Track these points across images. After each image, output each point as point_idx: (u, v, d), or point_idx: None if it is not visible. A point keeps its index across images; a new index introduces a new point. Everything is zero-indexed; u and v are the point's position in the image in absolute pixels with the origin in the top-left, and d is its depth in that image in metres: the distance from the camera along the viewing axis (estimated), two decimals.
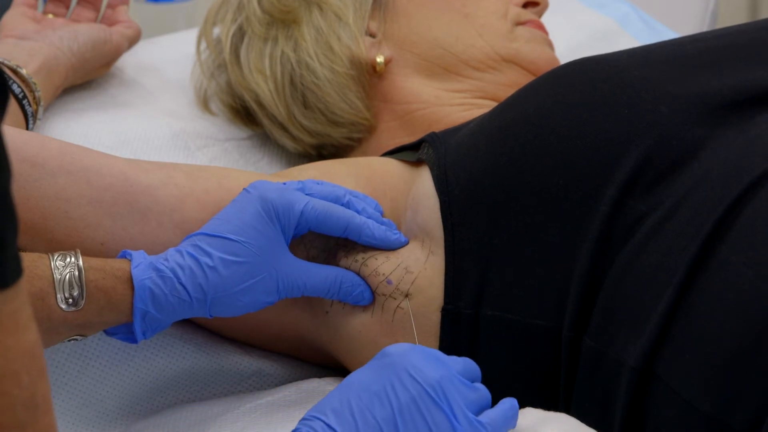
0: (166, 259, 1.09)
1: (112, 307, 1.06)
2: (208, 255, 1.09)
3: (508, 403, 1.04)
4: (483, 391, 1.03)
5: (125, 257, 1.09)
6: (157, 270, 1.08)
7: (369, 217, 1.17)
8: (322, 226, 1.14)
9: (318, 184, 1.17)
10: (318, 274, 1.14)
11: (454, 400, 1.00)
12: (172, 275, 1.08)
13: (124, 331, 1.09)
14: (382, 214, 1.20)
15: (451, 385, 1.01)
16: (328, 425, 0.98)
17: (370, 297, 1.17)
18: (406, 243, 1.19)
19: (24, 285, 0.72)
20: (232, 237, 1.10)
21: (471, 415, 1.00)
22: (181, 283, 1.08)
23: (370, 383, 1.00)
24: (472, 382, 1.04)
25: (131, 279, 1.07)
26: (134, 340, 1.09)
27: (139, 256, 1.08)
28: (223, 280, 1.09)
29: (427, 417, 0.99)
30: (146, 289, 1.07)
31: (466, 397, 1.01)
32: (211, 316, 1.11)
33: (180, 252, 1.10)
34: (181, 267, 1.09)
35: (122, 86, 1.55)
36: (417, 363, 1.01)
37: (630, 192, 1.12)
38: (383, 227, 1.17)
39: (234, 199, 1.13)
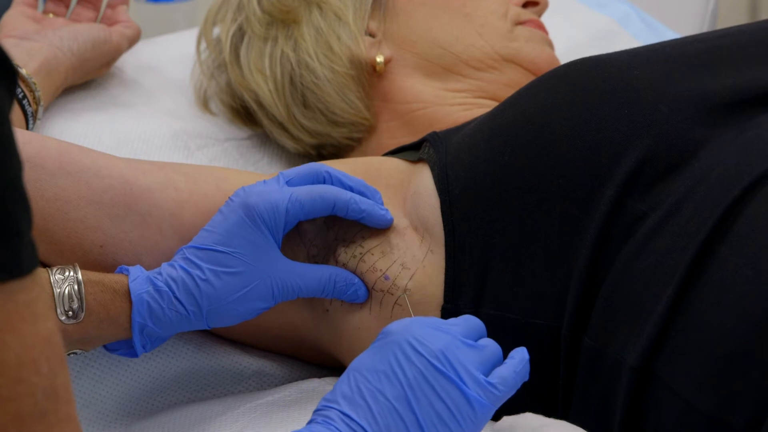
0: (160, 273, 1.09)
1: (110, 321, 1.07)
2: (199, 268, 1.09)
3: (518, 356, 1.03)
4: (490, 348, 1.02)
5: (122, 272, 1.10)
6: (154, 284, 1.08)
7: (351, 188, 1.16)
8: (309, 213, 1.13)
9: (296, 168, 1.16)
10: (312, 275, 1.14)
11: (460, 365, 0.99)
12: (167, 289, 1.08)
13: (124, 347, 1.10)
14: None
15: (456, 350, 1.00)
16: (343, 413, 0.98)
17: (364, 295, 1.17)
18: (392, 221, 1.18)
19: (40, 274, 0.72)
20: (219, 248, 1.10)
21: (480, 377, 0.99)
22: (176, 297, 1.08)
23: (375, 364, 1.00)
24: (478, 339, 1.03)
25: (129, 293, 1.07)
26: (135, 354, 1.10)
27: (136, 271, 1.09)
28: (217, 291, 1.09)
29: (437, 388, 0.99)
30: (144, 303, 1.07)
31: (473, 360, 1.00)
32: (209, 327, 1.11)
33: (172, 265, 1.10)
34: (174, 280, 1.09)
35: (122, 86, 1.55)
36: (418, 335, 1.00)
37: (629, 191, 1.12)
38: (368, 200, 1.17)
39: (220, 208, 1.13)
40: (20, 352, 0.71)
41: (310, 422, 0.99)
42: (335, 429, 0.97)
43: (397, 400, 0.98)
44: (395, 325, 1.02)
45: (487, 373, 1.01)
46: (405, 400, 0.98)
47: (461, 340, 1.01)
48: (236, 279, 1.10)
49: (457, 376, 0.99)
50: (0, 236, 0.69)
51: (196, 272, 1.09)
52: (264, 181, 1.15)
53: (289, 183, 1.15)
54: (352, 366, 1.01)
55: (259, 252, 1.11)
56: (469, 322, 1.04)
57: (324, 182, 1.16)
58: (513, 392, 1.01)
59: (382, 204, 1.18)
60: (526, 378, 1.02)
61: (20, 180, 0.71)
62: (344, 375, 1.00)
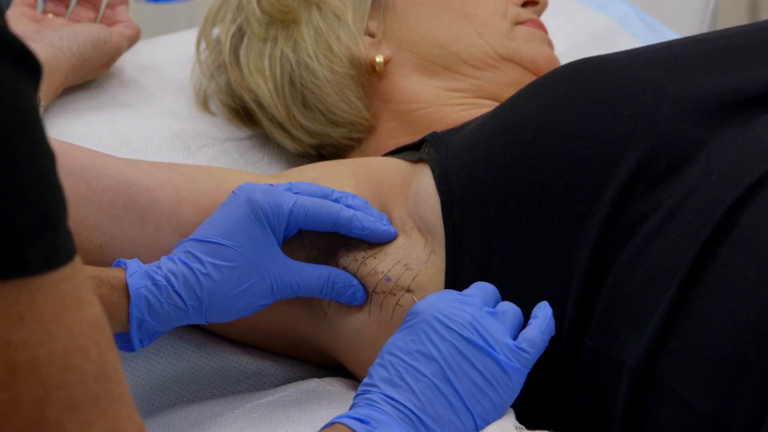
0: (159, 267, 1.09)
1: (108, 316, 1.06)
2: (199, 261, 1.09)
3: (541, 314, 1.07)
4: (510, 312, 1.06)
5: (120, 266, 1.09)
6: (152, 278, 1.08)
7: (358, 210, 1.17)
8: (311, 223, 1.14)
9: (307, 184, 1.17)
10: (311, 275, 1.14)
11: (488, 334, 1.03)
12: (166, 283, 1.08)
13: (122, 340, 1.09)
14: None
15: (482, 320, 1.03)
16: (386, 395, 1.00)
17: (362, 297, 1.17)
18: (396, 235, 1.19)
19: (80, 261, 0.73)
20: (222, 242, 1.10)
21: (510, 342, 1.03)
22: (175, 291, 1.08)
23: (408, 344, 1.02)
24: (495, 305, 1.07)
25: (127, 287, 1.07)
26: (132, 349, 1.09)
27: (133, 265, 1.09)
28: (217, 285, 1.09)
29: (471, 359, 1.02)
30: (142, 298, 1.07)
31: (498, 327, 1.04)
32: (207, 322, 1.11)
33: (172, 259, 1.10)
34: (174, 274, 1.09)
35: (122, 86, 1.55)
36: (445, 311, 1.03)
37: (630, 193, 1.12)
38: (372, 218, 1.17)
39: (223, 202, 1.13)
40: (68, 340, 0.71)
41: (353, 406, 1.00)
42: (381, 411, 0.99)
43: (435, 376, 1.01)
44: (421, 305, 1.04)
45: (513, 337, 1.04)
46: (443, 375, 1.01)
47: (484, 309, 1.04)
48: (236, 273, 1.10)
49: (488, 345, 1.02)
50: (36, 229, 0.70)
51: (196, 266, 1.09)
52: (272, 184, 1.15)
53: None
54: (385, 350, 1.03)
55: (260, 248, 1.11)
56: (484, 288, 1.08)
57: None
58: (542, 351, 1.05)
59: (388, 223, 1.19)
60: (553, 333, 1.06)
61: (53, 171, 0.71)
62: (378, 359, 1.03)
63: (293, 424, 1.15)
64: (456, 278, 1.16)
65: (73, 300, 0.72)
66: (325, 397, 1.20)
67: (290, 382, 1.26)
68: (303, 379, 1.26)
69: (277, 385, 1.26)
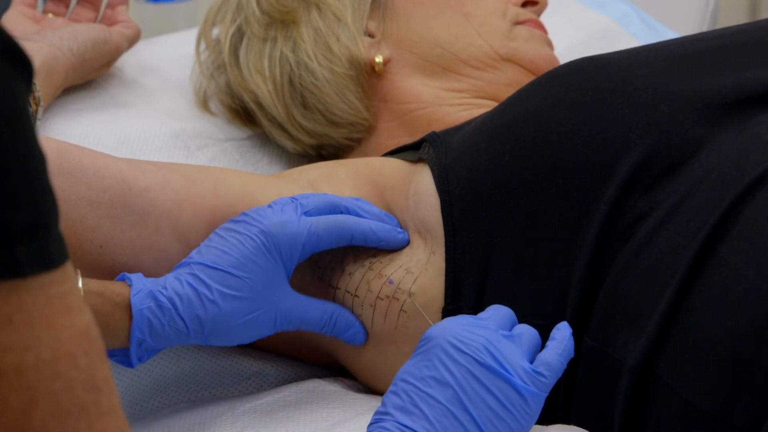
0: (165, 287, 1.08)
1: (109, 332, 1.06)
2: (207, 287, 1.09)
3: (559, 336, 1.03)
4: (527, 334, 1.02)
5: (124, 281, 1.09)
6: (156, 299, 1.07)
7: (370, 218, 1.17)
8: (327, 246, 1.14)
9: (314, 196, 1.17)
10: (314, 311, 1.14)
11: (504, 358, 0.99)
12: (170, 305, 1.08)
13: (121, 355, 1.09)
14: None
15: (497, 343, 1.00)
16: (400, 423, 0.97)
17: (363, 338, 1.17)
18: (408, 240, 1.19)
19: (71, 268, 0.71)
20: (232, 271, 1.10)
21: (526, 366, 0.99)
22: (179, 315, 1.08)
23: (422, 370, 0.99)
24: (512, 327, 1.03)
25: (130, 307, 1.07)
26: (130, 365, 1.09)
27: (138, 283, 1.08)
28: (222, 313, 1.09)
29: (487, 384, 0.98)
30: (144, 319, 1.07)
31: (515, 350, 1.00)
32: (207, 344, 1.11)
33: (179, 280, 1.09)
34: (180, 296, 1.08)
35: (122, 86, 1.55)
36: (458, 335, 1.00)
37: (630, 191, 1.12)
38: (387, 227, 1.17)
39: (235, 229, 1.12)
40: (56, 346, 0.70)
41: None
42: None
43: (450, 402, 0.98)
44: (434, 330, 1.01)
45: (530, 360, 1.01)
46: (458, 401, 0.98)
47: (499, 333, 1.01)
48: (243, 304, 1.10)
49: (503, 369, 0.99)
50: (28, 229, 0.68)
51: (203, 291, 1.09)
52: (281, 209, 1.14)
53: (306, 214, 1.15)
54: (398, 377, 1.00)
55: (269, 281, 1.11)
56: (499, 311, 1.05)
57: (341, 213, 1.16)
58: (560, 374, 1.01)
59: (399, 228, 1.18)
60: (572, 355, 1.03)
61: (45, 172, 0.70)
62: (391, 387, 1.00)
63: (293, 424, 1.15)
64: (456, 278, 1.16)
65: (62, 305, 0.70)
66: (325, 397, 1.20)
67: (290, 382, 1.26)
68: (303, 379, 1.26)
69: (277, 385, 1.26)
